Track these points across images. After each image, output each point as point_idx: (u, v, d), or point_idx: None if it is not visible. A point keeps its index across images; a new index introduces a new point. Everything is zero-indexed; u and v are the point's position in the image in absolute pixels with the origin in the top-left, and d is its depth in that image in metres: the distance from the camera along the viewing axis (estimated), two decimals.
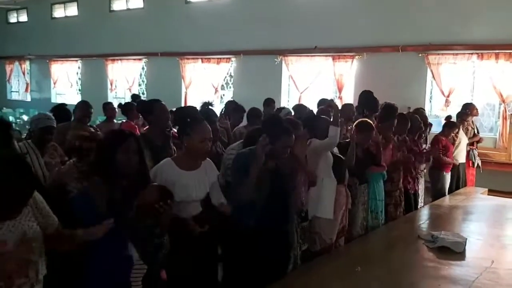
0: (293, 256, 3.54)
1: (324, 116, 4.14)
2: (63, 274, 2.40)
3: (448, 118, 6.58)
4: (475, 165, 7.21)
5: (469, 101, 7.64)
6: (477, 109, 7.41)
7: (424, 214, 5.22)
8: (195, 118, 2.94)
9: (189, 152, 2.92)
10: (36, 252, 2.13)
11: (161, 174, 2.83)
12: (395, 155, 4.75)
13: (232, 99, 6.86)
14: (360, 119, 4.58)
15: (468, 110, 7.12)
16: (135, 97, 8.50)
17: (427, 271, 3.59)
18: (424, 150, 5.44)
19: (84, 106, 5.10)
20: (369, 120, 4.55)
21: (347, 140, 4.52)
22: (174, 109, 6.63)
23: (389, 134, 4.85)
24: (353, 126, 4.44)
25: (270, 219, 3.15)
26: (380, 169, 4.55)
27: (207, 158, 3.01)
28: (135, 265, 2.57)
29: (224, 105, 6.19)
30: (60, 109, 5.40)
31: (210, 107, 4.60)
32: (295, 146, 3.32)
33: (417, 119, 5.48)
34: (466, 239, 4.06)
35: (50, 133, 3.86)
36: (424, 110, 7.36)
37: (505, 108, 8.05)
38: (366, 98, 6.07)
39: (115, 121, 6.64)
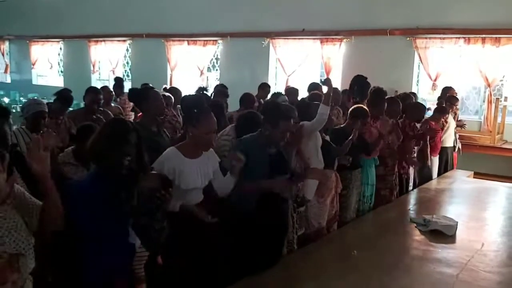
0: (288, 240, 3.58)
1: (316, 103, 4.16)
2: (63, 263, 2.39)
3: (440, 103, 6.65)
4: (456, 149, 7.34)
5: (450, 85, 7.71)
6: (456, 93, 7.49)
7: (414, 198, 5.31)
8: (202, 109, 2.93)
9: (193, 141, 2.93)
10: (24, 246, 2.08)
11: (168, 162, 2.84)
12: (387, 139, 4.78)
13: (220, 83, 6.80)
14: (354, 106, 4.60)
15: (449, 93, 7.20)
16: (118, 80, 8.36)
17: (421, 254, 3.67)
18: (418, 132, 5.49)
19: (91, 93, 5.02)
20: (364, 106, 4.57)
21: (338, 127, 4.56)
22: (164, 87, 6.61)
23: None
24: (348, 113, 4.46)
25: (266, 204, 3.19)
26: (370, 157, 4.60)
27: None
28: (137, 252, 2.57)
29: (213, 89, 6.17)
30: (63, 93, 5.31)
31: (204, 92, 4.57)
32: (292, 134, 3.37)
33: (420, 107, 5.53)
34: (457, 222, 4.15)
35: (43, 117, 3.80)
36: (416, 94, 7.43)
37: (490, 92, 8.16)
38: (359, 83, 6.09)
39: (112, 104, 6.52)
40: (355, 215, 4.55)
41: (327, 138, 4.25)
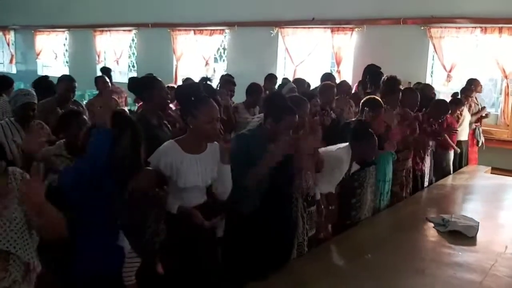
0: (298, 243, 3.31)
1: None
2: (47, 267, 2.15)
3: (455, 94, 6.34)
4: (480, 143, 7.03)
5: (471, 77, 7.38)
6: (481, 86, 7.19)
7: (430, 195, 5.02)
8: (200, 96, 2.63)
9: (194, 134, 2.65)
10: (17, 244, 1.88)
11: (165, 157, 2.57)
12: (405, 133, 4.49)
13: (226, 73, 6.49)
14: (367, 97, 4.31)
15: (472, 86, 6.89)
16: (105, 70, 8.10)
17: (439, 258, 3.40)
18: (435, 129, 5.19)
19: (66, 81, 4.71)
20: (376, 97, 4.28)
21: (350, 120, 4.28)
22: (170, 85, 6.37)
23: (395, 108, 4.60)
24: (361, 105, 4.17)
25: (272, 204, 2.92)
26: (388, 149, 4.30)
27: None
28: (128, 257, 2.33)
29: (219, 79, 5.89)
30: (42, 82, 5.05)
31: (208, 82, 4.30)
32: (307, 133, 3.09)
33: (443, 106, 5.24)
34: (479, 223, 3.87)
35: (32, 109, 3.55)
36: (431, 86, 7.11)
37: (507, 84, 7.81)
38: (371, 73, 5.81)
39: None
40: (370, 214, 4.27)
41: None
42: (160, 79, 3.54)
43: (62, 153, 2.88)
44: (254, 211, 2.92)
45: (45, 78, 5.37)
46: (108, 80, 6.41)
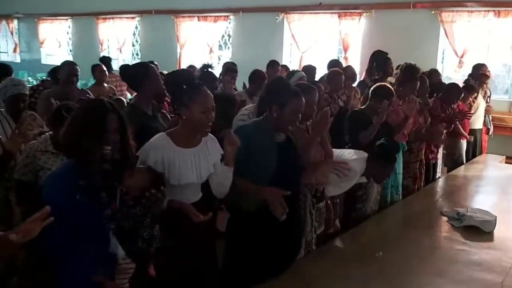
0: (306, 241, 3.12)
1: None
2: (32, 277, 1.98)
3: (467, 81, 6.08)
4: (490, 131, 6.78)
5: (482, 62, 7.11)
6: (489, 71, 6.90)
7: (443, 187, 4.81)
8: (193, 84, 2.38)
9: (187, 126, 2.41)
10: None
11: (155, 152, 2.34)
12: (417, 122, 4.27)
13: (229, 60, 6.24)
14: (377, 84, 4.08)
15: (481, 71, 6.61)
16: (104, 59, 7.92)
17: (455, 255, 3.18)
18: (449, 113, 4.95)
19: (67, 65, 4.52)
20: (387, 85, 4.05)
21: (358, 109, 4.05)
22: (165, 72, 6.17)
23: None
24: (370, 92, 3.94)
25: None
26: (399, 141, 4.08)
27: (209, 134, 2.50)
28: (121, 263, 2.14)
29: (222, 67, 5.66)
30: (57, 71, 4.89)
31: (210, 69, 4.09)
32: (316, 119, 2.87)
33: (458, 89, 4.99)
34: (496, 217, 3.66)
35: (22, 100, 3.34)
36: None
37: None
38: (378, 59, 5.57)
39: (105, 84, 6.09)
40: (377, 208, 4.06)
41: None
42: (153, 65, 3.31)
43: (48, 149, 2.69)
44: (259, 209, 2.70)
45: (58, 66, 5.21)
46: (105, 69, 6.21)
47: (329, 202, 3.44)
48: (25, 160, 2.77)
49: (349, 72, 5.64)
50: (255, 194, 2.62)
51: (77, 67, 4.51)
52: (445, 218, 3.77)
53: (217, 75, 5.26)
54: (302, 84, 3.22)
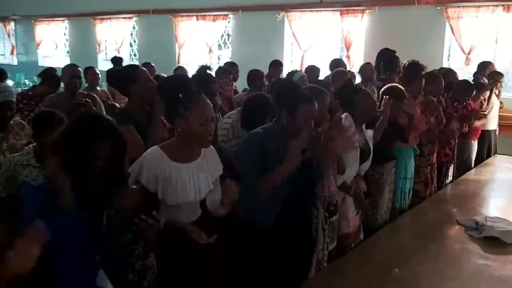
0: (317, 260, 2.88)
1: (364, 89, 3.42)
2: None
3: (477, 79, 5.83)
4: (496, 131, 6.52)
5: (490, 60, 6.87)
6: (495, 69, 6.65)
7: (456, 192, 4.55)
8: (190, 92, 2.13)
9: (184, 139, 2.16)
10: None
11: (148, 168, 2.09)
12: (429, 123, 4.03)
13: (226, 62, 5.93)
14: (388, 85, 3.84)
15: (488, 69, 6.36)
16: (116, 60, 7.66)
17: (477, 271, 2.95)
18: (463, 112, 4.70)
19: (69, 68, 4.33)
20: (399, 86, 3.81)
21: None
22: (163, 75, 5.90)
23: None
24: (381, 94, 3.71)
25: (291, 216, 2.48)
26: (410, 144, 3.85)
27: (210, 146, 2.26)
28: None
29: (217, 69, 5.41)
30: (49, 74, 4.69)
31: (208, 71, 3.86)
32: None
33: (469, 87, 4.73)
34: None
35: (9, 108, 3.11)
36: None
37: None
38: (385, 57, 5.33)
39: (98, 88, 5.84)
40: (389, 216, 3.83)
41: None
42: (143, 68, 3.04)
43: (30, 162, 2.46)
44: (268, 226, 2.47)
45: (51, 69, 5.00)
46: (98, 72, 5.98)
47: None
48: (4, 174, 2.53)
49: (368, 71, 5.31)
50: (284, 171, 2.38)
51: (80, 69, 4.32)
52: (462, 227, 3.53)
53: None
54: (313, 88, 2.99)
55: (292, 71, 4.66)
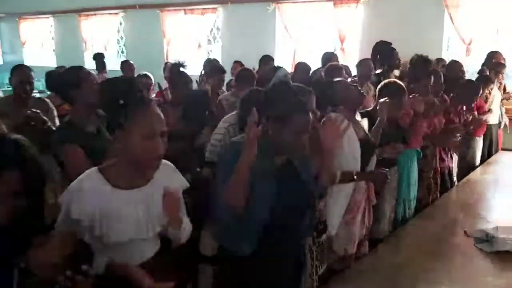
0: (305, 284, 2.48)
1: (341, 79, 3.01)
2: None
3: (482, 71, 5.43)
4: (503, 125, 6.14)
5: (493, 49, 6.48)
6: (504, 58, 6.26)
7: (460, 196, 4.18)
8: (134, 98, 1.69)
9: (126, 158, 1.71)
10: None
11: (81, 197, 1.65)
12: (433, 124, 3.64)
13: (211, 58, 5.44)
14: (386, 81, 3.44)
15: (494, 59, 5.97)
16: (98, 57, 7.22)
17: None
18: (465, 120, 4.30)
19: (18, 70, 3.77)
20: (399, 81, 3.41)
21: (363, 110, 3.39)
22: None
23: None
24: (378, 90, 3.31)
25: (272, 241, 2.07)
26: (413, 147, 3.45)
27: (165, 161, 1.80)
28: None
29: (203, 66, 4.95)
30: None
31: (182, 68, 3.45)
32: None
33: (473, 88, 4.35)
34: None
35: None
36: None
37: None
38: (382, 50, 4.92)
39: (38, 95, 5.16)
40: (392, 227, 3.44)
41: None
42: (89, 70, 2.62)
43: None
44: (254, 251, 2.07)
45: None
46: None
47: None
48: None
49: (366, 67, 4.82)
50: (244, 162, 1.96)
51: (31, 72, 3.81)
52: (470, 240, 3.15)
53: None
54: (298, 87, 2.57)
55: (275, 67, 4.18)
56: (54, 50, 14.43)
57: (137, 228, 1.70)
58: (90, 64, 9.93)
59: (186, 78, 3.46)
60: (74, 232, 1.55)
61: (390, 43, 5.06)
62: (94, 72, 5.44)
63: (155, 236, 1.77)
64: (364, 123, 3.08)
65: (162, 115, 1.69)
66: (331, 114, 2.74)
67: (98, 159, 1.92)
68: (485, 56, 6.14)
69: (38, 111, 3.04)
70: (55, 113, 3.74)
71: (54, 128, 3.04)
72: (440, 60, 6.01)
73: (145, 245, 1.78)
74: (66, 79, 2.49)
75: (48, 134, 2.76)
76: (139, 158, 1.68)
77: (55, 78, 2.56)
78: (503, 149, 5.94)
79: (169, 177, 1.82)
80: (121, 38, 12.47)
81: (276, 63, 5.89)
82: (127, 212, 1.68)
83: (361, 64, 4.80)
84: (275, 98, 2.08)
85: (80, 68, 2.58)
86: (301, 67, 4.91)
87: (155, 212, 1.73)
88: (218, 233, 2.18)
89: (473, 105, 4.48)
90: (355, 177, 2.76)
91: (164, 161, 1.75)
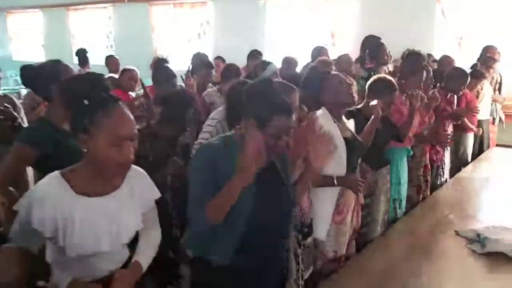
0: None
1: (337, 73, 2.90)
2: None
3: (475, 66, 5.34)
4: (497, 120, 6.06)
5: (487, 44, 6.38)
6: (499, 53, 6.17)
7: (451, 195, 4.08)
8: (100, 98, 1.54)
9: (92, 162, 1.57)
10: None
11: (41, 204, 1.51)
12: (423, 121, 3.54)
13: (200, 52, 5.30)
14: (375, 76, 3.33)
15: (489, 54, 5.87)
16: (78, 52, 7.08)
17: None
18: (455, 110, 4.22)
19: None
20: (389, 77, 3.31)
21: (352, 108, 3.28)
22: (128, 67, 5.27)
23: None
24: (367, 86, 3.20)
25: (252, 246, 1.95)
26: (404, 145, 3.36)
27: (136, 168, 1.69)
28: None
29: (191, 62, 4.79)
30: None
31: (165, 64, 3.33)
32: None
33: (461, 74, 4.25)
34: None
35: None
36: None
37: None
38: (371, 45, 4.81)
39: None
40: (385, 229, 3.35)
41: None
42: (65, 64, 2.47)
43: None
44: (232, 261, 1.95)
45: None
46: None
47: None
48: None
49: (344, 63, 4.76)
50: (236, 185, 1.78)
51: None
52: (462, 240, 3.06)
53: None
54: (280, 83, 2.46)
55: (263, 62, 4.06)
56: (42, 45, 14.21)
57: (100, 241, 1.57)
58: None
59: (168, 74, 3.34)
60: (25, 249, 1.42)
61: (379, 38, 4.95)
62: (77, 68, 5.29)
63: (123, 245, 1.66)
64: (351, 123, 2.97)
65: (131, 116, 1.56)
66: (317, 112, 2.63)
67: (73, 158, 1.79)
68: (480, 51, 6.04)
69: (9, 106, 2.91)
70: (23, 111, 3.63)
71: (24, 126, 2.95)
72: (430, 55, 5.91)
73: (113, 255, 1.66)
74: (42, 74, 2.35)
75: (17, 131, 2.65)
76: (105, 165, 1.54)
77: (30, 72, 2.40)
78: (497, 145, 5.87)
79: (139, 184, 1.69)
80: (110, 32, 12.29)
81: (265, 58, 5.78)
82: (91, 222, 1.55)
83: (339, 60, 4.72)
84: (255, 98, 1.95)
85: (59, 62, 2.44)
86: (287, 61, 4.80)
87: (124, 220, 1.60)
88: (190, 241, 2.05)
89: (461, 93, 4.39)
90: (335, 182, 2.65)
91: (134, 166, 1.63)
